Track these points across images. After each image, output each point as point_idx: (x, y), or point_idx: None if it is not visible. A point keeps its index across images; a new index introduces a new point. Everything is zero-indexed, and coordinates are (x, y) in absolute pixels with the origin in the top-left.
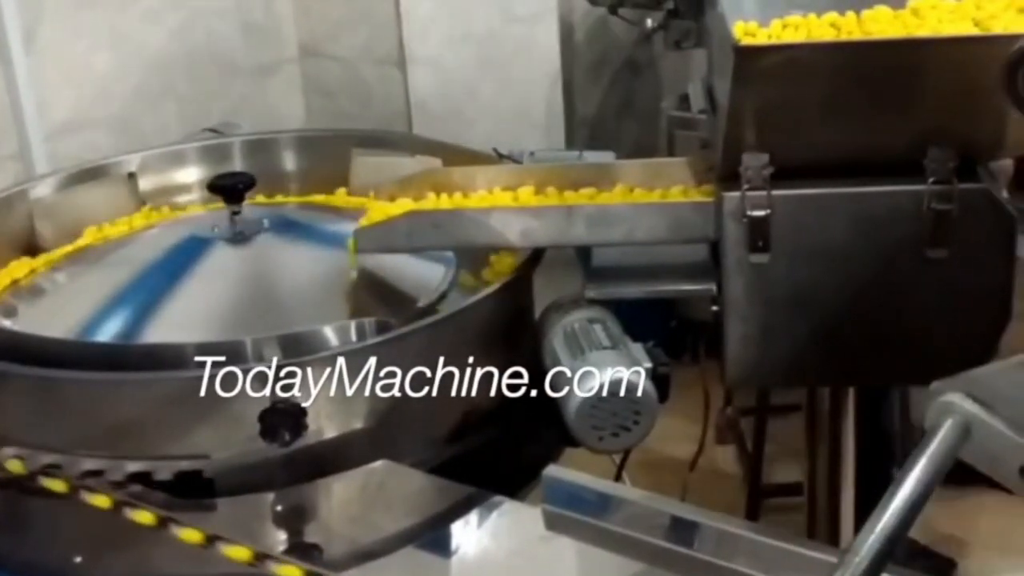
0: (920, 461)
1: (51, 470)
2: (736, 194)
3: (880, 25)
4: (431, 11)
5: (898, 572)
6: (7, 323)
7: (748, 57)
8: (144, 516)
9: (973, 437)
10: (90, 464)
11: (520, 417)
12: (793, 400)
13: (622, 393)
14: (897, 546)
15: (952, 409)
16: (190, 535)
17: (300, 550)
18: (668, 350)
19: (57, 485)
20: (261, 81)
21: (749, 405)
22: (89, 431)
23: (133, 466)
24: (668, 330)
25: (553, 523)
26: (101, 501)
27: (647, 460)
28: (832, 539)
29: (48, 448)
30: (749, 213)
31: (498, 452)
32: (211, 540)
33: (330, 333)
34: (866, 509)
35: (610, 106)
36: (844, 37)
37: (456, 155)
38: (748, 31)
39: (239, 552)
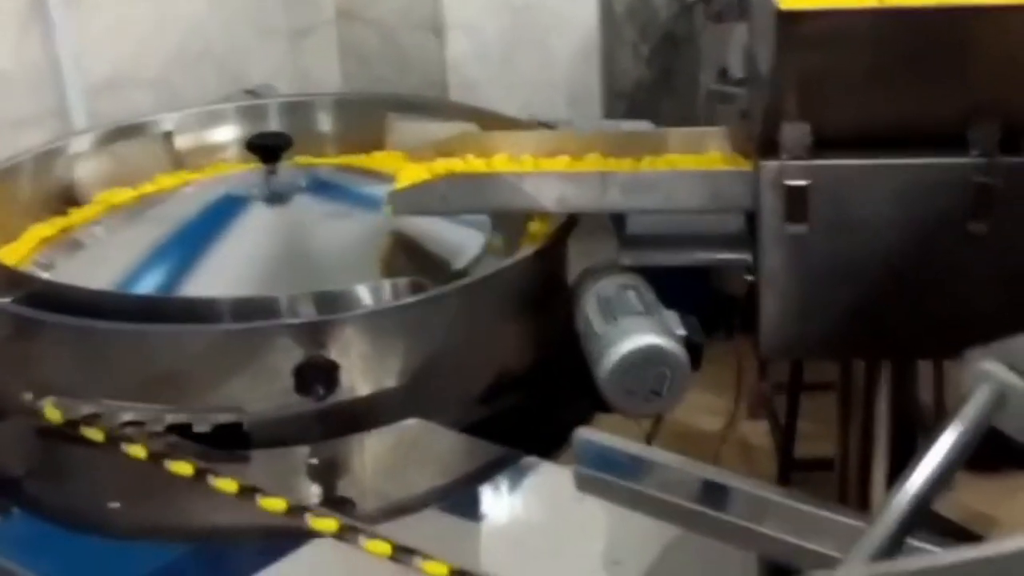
0: (952, 427)
1: (91, 419)
2: (775, 163)
3: None
4: None
5: (927, 539)
6: (45, 274)
7: (791, 22)
8: (181, 467)
9: (1008, 405)
10: (129, 414)
11: (552, 381)
12: (826, 378)
13: (655, 359)
14: (927, 509)
15: (988, 377)
16: (226, 485)
17: (333, 503)
18: (703, 325)
19: (95, 434)
20: (297, 44)
21: (782, 381)
22: (126, 382)
23: (171, 417)
24: (704, 305)
25: (583, 484)
26: (138, 451)
27: (679, 432)
28: (862, 511)
29: (85, 397)
30: (788, 183)
31: (529, 416)
32: (246, 491)
33: (364, 292)
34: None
35: (648, 80)
36: (887, 4)
37: (493, 121)
38: None
39: (274, 503)
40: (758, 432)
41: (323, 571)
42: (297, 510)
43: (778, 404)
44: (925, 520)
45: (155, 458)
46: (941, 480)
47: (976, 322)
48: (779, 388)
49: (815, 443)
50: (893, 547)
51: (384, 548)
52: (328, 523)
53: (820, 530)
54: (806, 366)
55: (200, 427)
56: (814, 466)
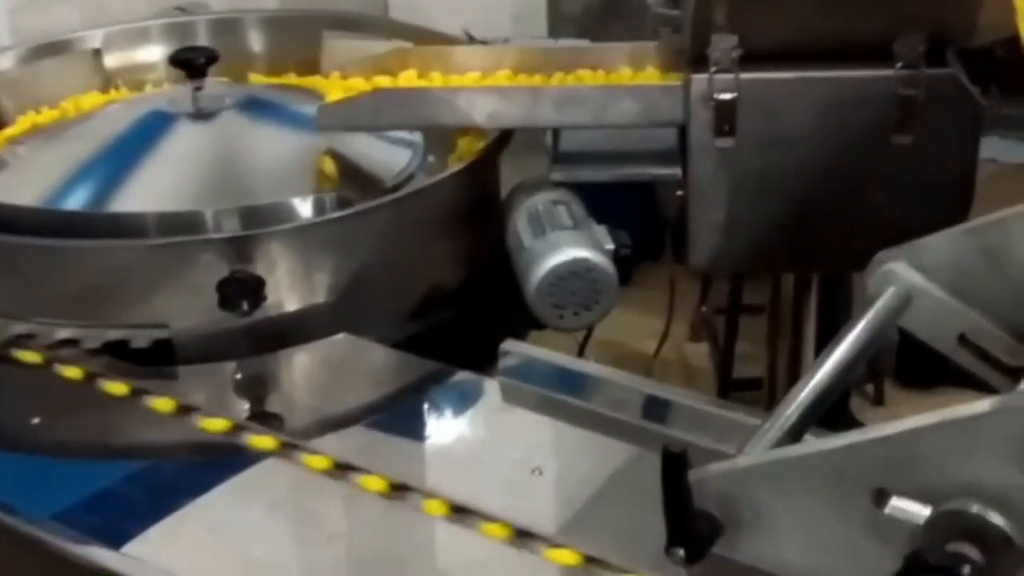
0: (858, 326)
1: (22, 340)
2: (704, 76)
3: None
4: None
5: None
6: None
7: None
8: (116, 387)
9: (914, 305)
10: (63, 333)
11: (484, 298)
12: (766, 300)
13: (582, 272)
14: (828, 402)
15: (894, 278)
16: (115, 388)
17: (261, 418)
18: (649, 251)
19: (30, 356)
20: None
21: (723, 304)
22: (48, 299)
23: (65, 332)
24: (650, 231)
25: (509, 395)
26: (73, 372)
27: (620, 355)
28: None
29: (6, 315)
30: (716, 96)
31: (461, 332)
32: (184, 410)
33: (291, 207)
34: None
35: (597, 3)
36: None
37: (432, 40)
38: None
39: (164, 404)
40: (699, 354)
41: (264, 493)
42: (184, 410)
43: (719, 327)
44: (826, 413)
45: (89, 379)
46: (842, 376)
47: (898, 233)
48: (720, 311)
49: (755, 364)
50: (792, 438)
51: (270, 443)
52: (218, 424)
53: (740, 434)
54: (747, 289)
55: (90, 344)
56: (751, 386)
